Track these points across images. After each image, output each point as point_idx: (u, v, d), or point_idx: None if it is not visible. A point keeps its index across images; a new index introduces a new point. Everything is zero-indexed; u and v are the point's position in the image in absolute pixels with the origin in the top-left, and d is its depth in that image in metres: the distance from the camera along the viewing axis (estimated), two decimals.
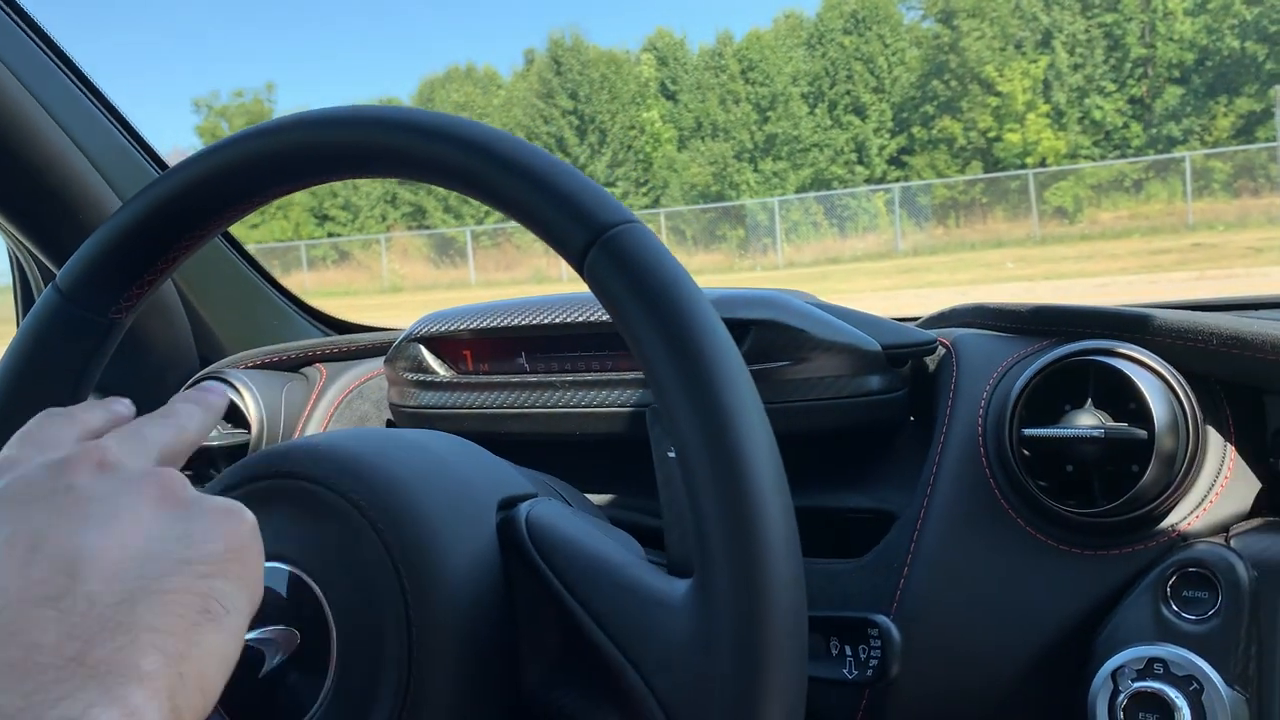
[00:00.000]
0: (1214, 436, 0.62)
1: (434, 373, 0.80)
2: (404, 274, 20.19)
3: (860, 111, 23.34)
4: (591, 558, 0.47)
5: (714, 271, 18.69)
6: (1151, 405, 0.58)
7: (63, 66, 0.85)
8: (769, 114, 23.68)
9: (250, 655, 0.44)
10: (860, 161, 23.20)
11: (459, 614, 0.45)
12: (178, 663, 0.32)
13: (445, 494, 0.47)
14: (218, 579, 0.35)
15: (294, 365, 0.95)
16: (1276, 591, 0.54)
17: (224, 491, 0.48)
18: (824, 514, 0.73)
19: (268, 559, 0.44)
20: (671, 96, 25.17)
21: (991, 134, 21.32)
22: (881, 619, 0.53)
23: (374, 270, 20.55)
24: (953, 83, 22.00)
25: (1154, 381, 0.59)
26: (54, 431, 0.40)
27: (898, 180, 21.88)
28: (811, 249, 19.67)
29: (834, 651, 0.55)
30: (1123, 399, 0.59)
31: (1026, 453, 0.62)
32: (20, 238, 0.87)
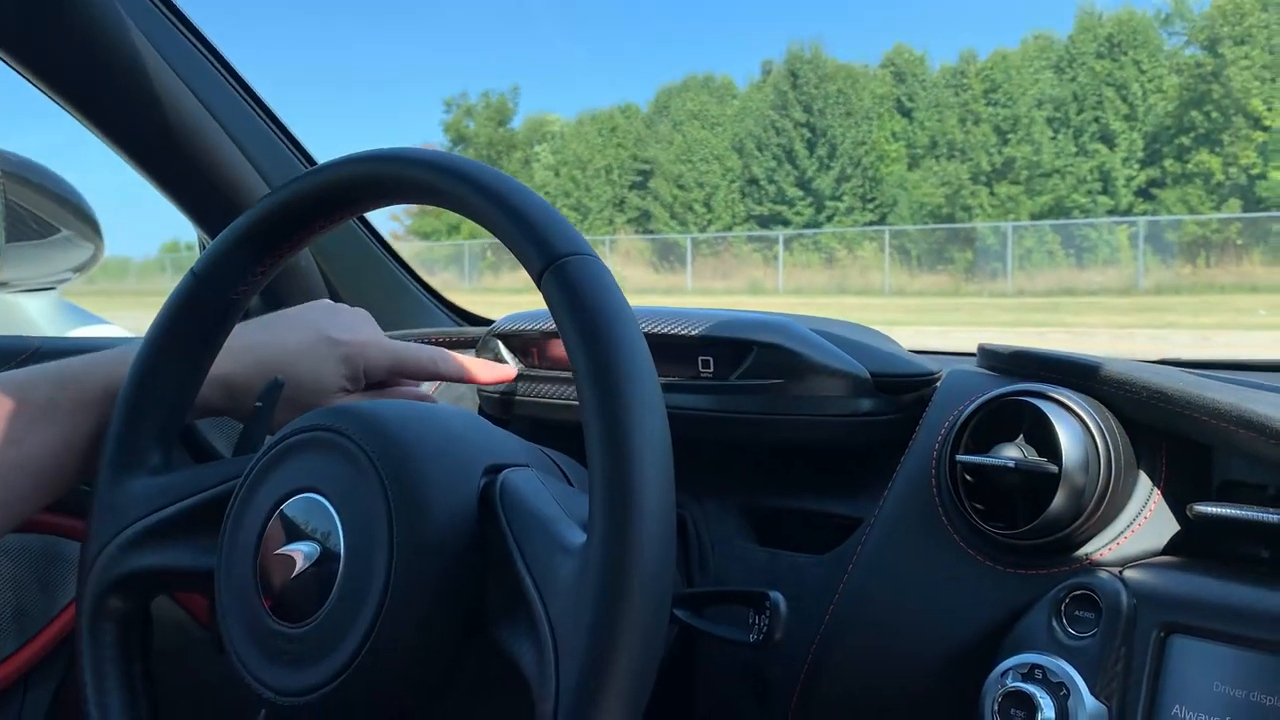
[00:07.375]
0: (1143, 480, 0.68)
1: (506, 364, 0.94)
2: (625, 276, 20.80)
3: (1108, 139, 22.16)
4: (538, 517, 0.60)
5: (935, 294, 18.09)
6: (1062, 443, 0.65)
7: (223, 71, 1.05)
8: (1009, 136, 22.88)
9: (284, 561, 0.59)
10: (1105, 191, 22.02)
11: (433, 546, 0.58)
12: None
13: (439, 452, 0.60)
14: None
15: None
16: (1149, 619, 0.60)
17: (287, 436, 0.63)
18: (807, 515, 0.83)
19: (307, 490, 0.59)
20: (907, 114, 24.69)
21: (1255, 170, 19.75)
22: (775, 595, 0.63)
23: None
24: (1213, 114, 20.52)
25: (1071, 423, 0.66)
26: None
27: (1144, 213, 20.65)
28: (1045, 278, 18.83)
29: (751, 621, 0.64)
30: (1051, 437, 0.67)
31: (969, 478, 0.70)
32: (194, 223, 1.08)
